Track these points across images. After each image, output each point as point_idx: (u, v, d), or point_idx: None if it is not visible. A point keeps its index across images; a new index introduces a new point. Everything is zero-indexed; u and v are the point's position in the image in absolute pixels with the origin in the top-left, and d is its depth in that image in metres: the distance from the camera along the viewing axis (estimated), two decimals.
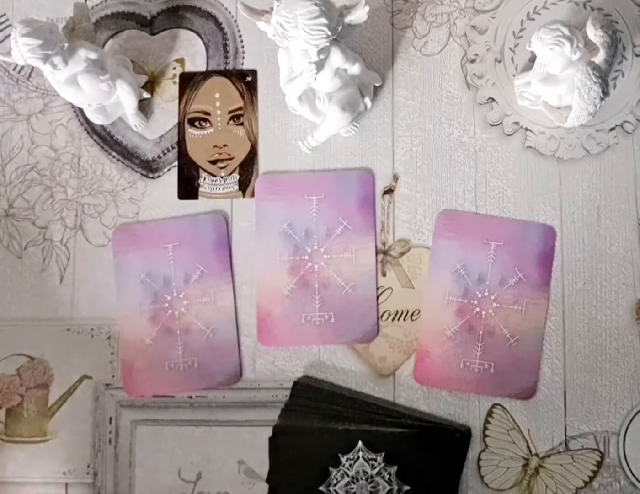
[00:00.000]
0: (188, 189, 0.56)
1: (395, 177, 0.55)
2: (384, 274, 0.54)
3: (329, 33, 0.45)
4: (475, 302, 0.52)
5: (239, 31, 0.58)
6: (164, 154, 0.57)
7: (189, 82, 0.57)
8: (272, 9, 0.46)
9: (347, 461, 0.50)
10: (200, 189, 0.56)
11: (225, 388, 0.53)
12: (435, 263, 0.53)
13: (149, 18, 0.59)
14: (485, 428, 0.51)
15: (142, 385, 0.53)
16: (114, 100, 0.55)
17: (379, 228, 0.54)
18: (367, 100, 0.54)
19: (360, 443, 0.50)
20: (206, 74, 0.57)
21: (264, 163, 0.56)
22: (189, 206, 0.56)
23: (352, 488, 0.50)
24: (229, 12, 0.58)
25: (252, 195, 0.55)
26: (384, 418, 0.48)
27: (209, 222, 0.55)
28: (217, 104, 0.57)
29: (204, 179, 0.56)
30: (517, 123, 0.55)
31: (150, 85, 0.57)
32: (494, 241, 0.53)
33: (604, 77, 0.48)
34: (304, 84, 0.50)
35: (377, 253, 0.54)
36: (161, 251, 0.54)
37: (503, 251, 0.52)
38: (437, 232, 0.53)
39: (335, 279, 0.53)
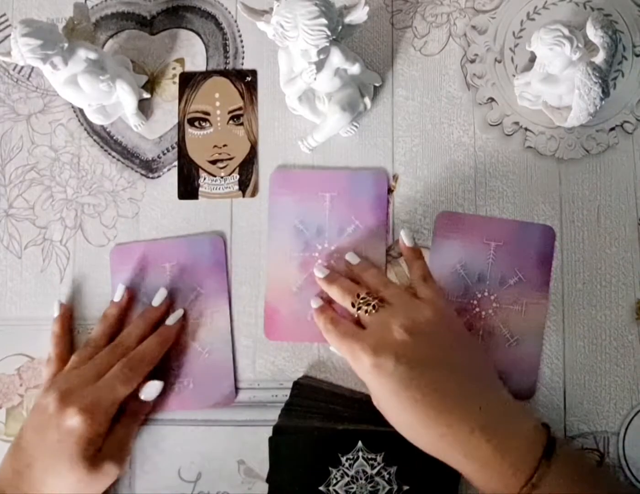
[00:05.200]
0: (188, 189, 0.56)
1: (395, 177, 0.55)
2: None
3: (329, 33, 0.45)
4: (475, 302, 0.52)
5: (239, 31, 0.58)
6: (164, 154, 0.57)
7: (188, 82, 0.57)
8: (272, 9, 0.46)
9: (347, 461, 0.50)
10: (200, 189, 0.56)
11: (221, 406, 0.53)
12: (435, 263, 0.53)
13: (149, 18, 0.59)
14: None
15: None
16: (114, 100, 0.55)
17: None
18: (367, 100, 0.54)
19: (360, 443, 0.50)
20: (206, 74, 0.57)
21: (263, 163, 0.56)
22: (189, 205, 0.56)
23: (352, 488, 0.50)
24: (229, 12, 0.58)
25: (252, 195, 0.55)
26: (384, 418, 0.48)
27: (207, 242, 0.55)
28: (217, 104, 0.57)
29: (204, 179, 0.56)
30: (517, 123, 0.55)
31: (150, 85, 0.57)
32: (493, 241, 0.53)
33: (604, 78, 0.48)
34: (304, 84, 0.50)
35: (387, 253, 0.54)
36: (159, 270, 0.54)
37: (503, 251, 0.52)
38: (436, 232, 0.53)
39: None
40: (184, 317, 0.53)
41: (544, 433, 0.44)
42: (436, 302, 0.48)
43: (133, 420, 0.51)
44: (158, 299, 0.53)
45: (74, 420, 0.46)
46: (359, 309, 0.48)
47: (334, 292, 0.51)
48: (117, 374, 0.48)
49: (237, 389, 0.53)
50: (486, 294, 0.52)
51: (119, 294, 0.53)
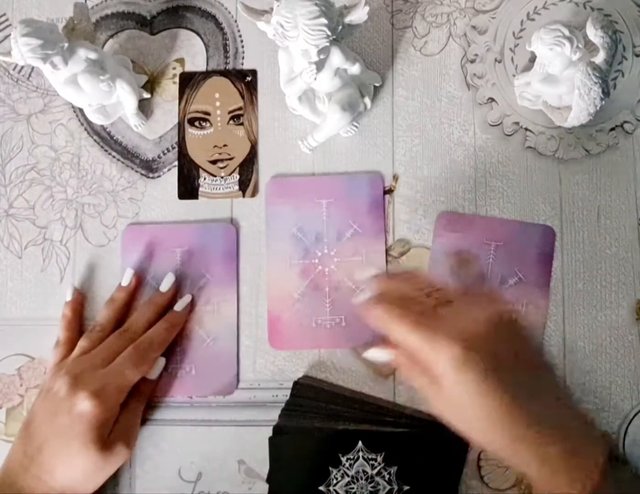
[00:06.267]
0: (188, 189, 0.56)
1: (395, 177, 0.55)
2: None
3: (329, 33, 0.45)
4: None
5: (239, 31, 0.58)
6: (164, 154, 0.57)
7: (189, 82, 0.57)
8: (272, 9, 0.46)
9: (347, 461, 0.50)
10: (200, 189, 0.56)
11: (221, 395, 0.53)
12: (435, 264, 0.52)
13: (149, 18, 0.59)
14: None
15: None
16: (114, 100, 0.55)
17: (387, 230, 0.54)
18: (367, 100, 0.54)
19: (360, 443, 0.50)
20: (206, 74, 0.57)
21: (264, 163, 0.56)
22: (189, 205, 0.56)
23: (352, 488, 0.50)
24: (229, 12, 0.58)
25: (252, 195, 0.55)
26: (384, 418, 0.48)
27: (219, 230, 0.55)
28: (217, 104, 0.57)
29: (204, 179, 0.56)
30: (517, 123, 0.55)
31: (150, 85, 0.57)
32: (494, 241, 0.53)
33: (604, 78, 0.48)
34: (304, 84, 0.50)
35: (387, 253, 0.53)
36: (170, 255, 0.54)
37: (503, 251, 0.52)
38: (436, 232, 0.53)
39: (345, 282, 0.53)
40: (191, 303, 0.54)
41: (608, 441, 0.43)
42: (503, 304, 0.47)
43: (140, 402, 0.51)
44: (166, 284, 0.53)
45: (84, 404, 0.46)
46: (432, 299, 0.45)
47: (400, 285, 0.47)
48: (126, 360, 0.49)
49: (238, 379, 0.53)
50: None
51: (127, 278, 0.53)
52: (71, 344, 0.52)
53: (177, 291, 0.54)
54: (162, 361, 0.51)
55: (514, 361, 0.43)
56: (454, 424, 0.43)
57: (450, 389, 0.42)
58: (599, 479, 0.40)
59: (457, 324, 0.43)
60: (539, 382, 0.43)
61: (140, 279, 0.54)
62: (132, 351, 0.49)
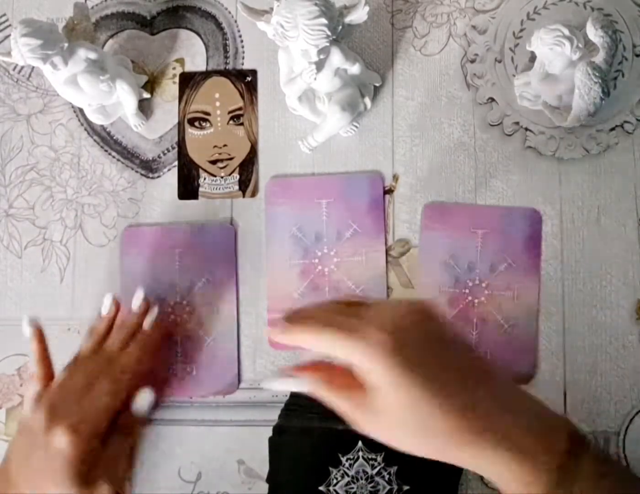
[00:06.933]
0: (188, 189, 0.56)
1: (395, 177, 0.55)
2: None
3: (329, 33, 0.45)
4: (467, 291, 0.52)
5: (239, 31, 0.58)
6: (164, 154, 0.57)
7: (189, 82, 0.57)
8: (272, 9, 0.46)
9: (347, 461, 0.50)
10: (200, 189, 0.56)
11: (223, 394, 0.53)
12: (424, 255, 0.53)
13: (149, 18, 0.59)
14: None
15: None
16: (114, 100, 0.55)
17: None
18: (367, 100, 0.54)
19: (360, 443, 0.50)
20: (206, 74, 0.57)
21: (264, 163, 0.56)
22: (189, 206, 0.56)
23: (352, 488, 0.50)
24: (229, 12, 0.58)
25: (252, 195, 0.55)
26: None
27: (219, 230, 0.55)
28: (217, 104, 0.57)
29: (204, 179, 0.56)
30: (517, 123, 0.55)
31: (150, 85, 0.57)
32: (480, 228, 0.53)
33: (604, 77, 0.48)
34: (304, 84, 0.50)
35: (387, 253, 0.53)
36: (169, 256, 0.54)
37: (490, 238, 0.52)
38: (423, 224, 0.53)
39: (345, 282, 0.53)
40: (191, 304, 0.53)
41: (566, 428, 0.39)
42: (424, 304, 0.41)
43: (125, 435, 0.46)
44: (136, 302, 0.51)
45: (61, 440, 0.43)
46: (351, 306, 0.40)
47: (314, 306, 0.41)
48: (101, 387, 0.46)
49: (239, 379, 0.53)
50: (477, 282, 0.52)
51: (106, 307, 0.51)
52: (47, 377, 0.48)
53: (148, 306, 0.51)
54: (146, 394, 0.47)
55: (444, 359, 0.38)
56: (388, 441, 0.38)
57: (382, 400, 0.37)
58: (563, 463, 0.36)
59: (383, 318, 0.38)
60: (477, 377, 0.38)
61: (119, 305, 0.52)
62: (107, 377, 0.46)
